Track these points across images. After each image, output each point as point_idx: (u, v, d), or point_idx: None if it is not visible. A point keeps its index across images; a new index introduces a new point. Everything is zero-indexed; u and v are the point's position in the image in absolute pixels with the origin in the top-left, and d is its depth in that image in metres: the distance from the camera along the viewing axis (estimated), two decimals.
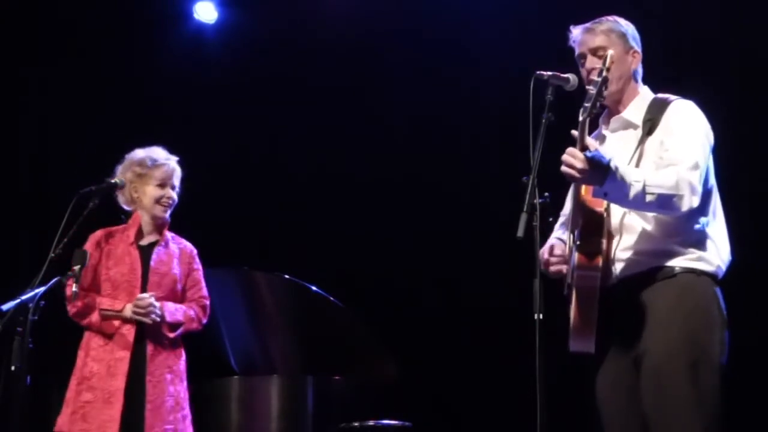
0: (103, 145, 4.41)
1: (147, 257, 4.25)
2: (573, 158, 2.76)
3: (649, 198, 2.83)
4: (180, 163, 4.39)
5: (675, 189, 2.85)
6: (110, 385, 4.01)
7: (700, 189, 2.91)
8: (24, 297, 3.55)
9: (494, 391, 5.58)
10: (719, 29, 5.31)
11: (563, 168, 2.78)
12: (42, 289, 3.62)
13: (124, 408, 3.99)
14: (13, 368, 3.48)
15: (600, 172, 2.77)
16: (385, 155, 6.21)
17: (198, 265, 4.43)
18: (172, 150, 4.43)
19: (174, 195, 4.33)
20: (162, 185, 4.29)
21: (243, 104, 6.52)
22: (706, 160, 3.00)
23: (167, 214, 4.32)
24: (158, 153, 4.35)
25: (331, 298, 5.11)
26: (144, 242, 4.30)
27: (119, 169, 4.33)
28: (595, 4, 3.39)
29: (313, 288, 5.13)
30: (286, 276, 5.21)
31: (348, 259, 6.16)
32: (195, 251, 4.44)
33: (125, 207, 4.33)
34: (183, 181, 4.38)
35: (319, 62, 6.43)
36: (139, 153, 4.34)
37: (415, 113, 6.26)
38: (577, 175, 2.77)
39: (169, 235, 4.37)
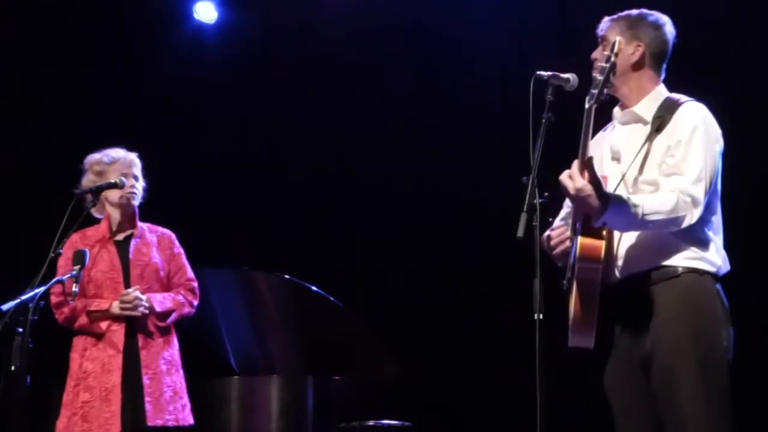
0: (103, 145, 4.40)
1: (125, 251, 4.25)
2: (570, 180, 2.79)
3: (648, 225, 2.86)
4: (180, 162, 4.38)
5: (674, 212, 2.85)
6: (107, 382, 4.03)
7: (703, 201, 2.91)
8: (24, 297, 3.54)
9: (494, 391, 5.58)
10: (718, 29, 5.31)
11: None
12: (42, 289, 3.62)
13: (123, 404, 4.00)
14: (13, 368, 3.48)
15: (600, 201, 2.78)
16: (385, 155, 6.21)
17: (179, 248, 4.41)
18: (172, 149, 4.42)
19: (137, 184, 4.31)
20: (124, 178, 4.25)
21: (243, 104, 6.52)
22: (713, 170, 2.97)
23: (135, 204, 4.30)
24: (114, 151, 4.34)
25: (331, 298, 5.11)
26: (119, 237, 4.28)
27: (83, 179, 4.32)
28: (596, 3, 3.38)
29: (313, 288, 5.13)
30: (286, 276, 5.21)
31: (348, 259, 6.16)
32: (173, 235, 4.42)
33: (96, 215, 4.29)
34: (182, 181, 4.37)
35: (320, 62, 6.42)
36: (95, 155, 4.35)
37: (415, 113, 6.25)
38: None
39: (143, 225, 4.36)
